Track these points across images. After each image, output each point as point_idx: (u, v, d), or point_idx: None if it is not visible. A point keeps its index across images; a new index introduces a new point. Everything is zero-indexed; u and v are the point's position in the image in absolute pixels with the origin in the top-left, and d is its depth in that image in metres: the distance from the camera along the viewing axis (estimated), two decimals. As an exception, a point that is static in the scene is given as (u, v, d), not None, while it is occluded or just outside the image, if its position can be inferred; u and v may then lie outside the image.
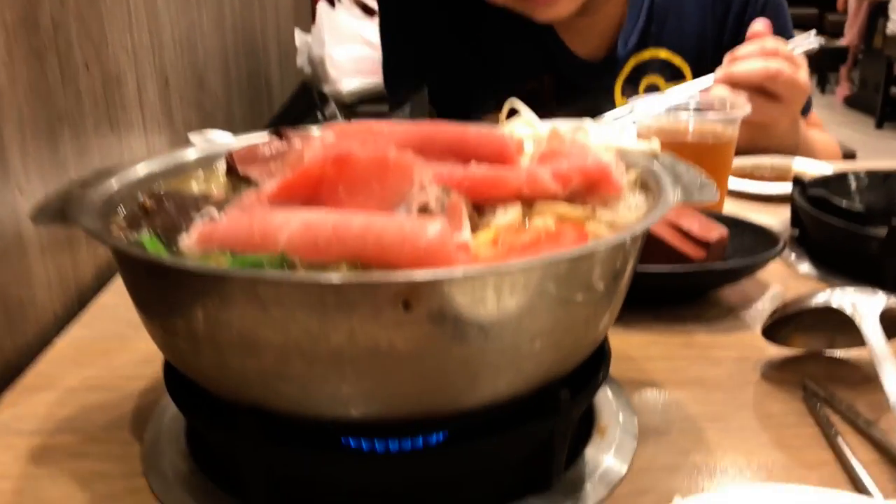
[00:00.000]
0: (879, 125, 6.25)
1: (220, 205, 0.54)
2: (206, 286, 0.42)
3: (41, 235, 0.74)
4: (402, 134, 0.56)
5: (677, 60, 1.22)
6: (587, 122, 0.64)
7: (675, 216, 0.75)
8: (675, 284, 0.72)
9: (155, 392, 0.62)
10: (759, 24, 1.03)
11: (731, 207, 1.00)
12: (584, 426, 0.57)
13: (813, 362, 0.65)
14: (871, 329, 0.56)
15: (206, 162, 0.64)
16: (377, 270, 0.43)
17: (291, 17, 2.21)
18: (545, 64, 1.21)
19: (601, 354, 0.54)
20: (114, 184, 0.56)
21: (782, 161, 1.12)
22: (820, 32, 6.24)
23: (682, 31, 1.20)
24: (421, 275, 0.40)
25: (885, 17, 6.32)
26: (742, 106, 0.91)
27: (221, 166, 0.63)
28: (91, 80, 0.83)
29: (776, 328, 0.65)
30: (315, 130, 0.67)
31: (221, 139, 1.08)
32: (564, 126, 0.67)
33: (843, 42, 7.16)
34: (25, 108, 0.70)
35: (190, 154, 0.63)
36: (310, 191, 0.52)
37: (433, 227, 0.43)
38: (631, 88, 1.22)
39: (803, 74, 1.02)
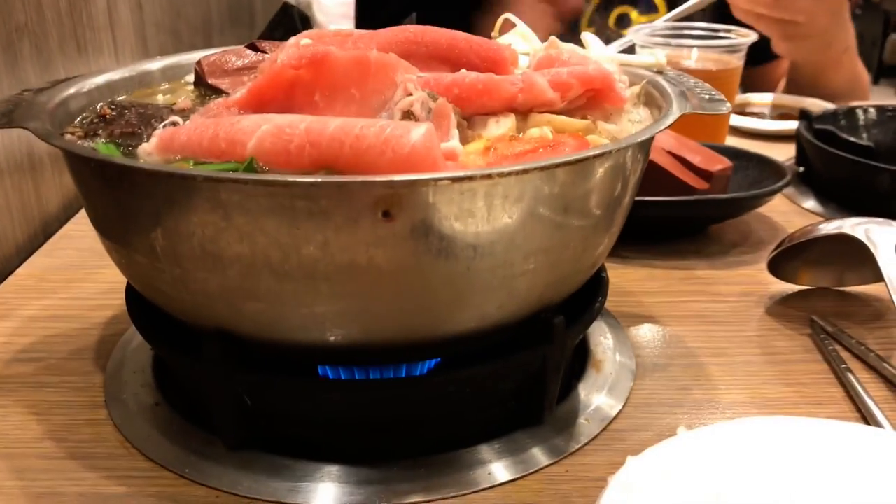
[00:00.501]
0: (875, 81, 6.18)
1: (187, 115, 0.50)
2: (162, 190, 0.37)
3: (1, 163, 0.69)
4: (386, 37, 0.51)
5: None
6: (588, 35, 0.59)
7: (678, 146, 0.71)
8: (676, 214, 0.68)
9: (120, 322, 0.58)
10: None
11: (734, 145, 0.96)
12: (579, 361, 0.54)
13: (820, 298, 0.61)
14: (887, 258, 0.53)
15: (173, 73, 0.59)
16: (356, 180, 0.39)
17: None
18: None
19: (598, 283, 0.51)
20: (71, 90, 0.51)
21: (788, 99, 1.07)
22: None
23: None
24: (403, 177, 0.35)
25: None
26: (748, 34, 0.86)
27: (190, 78, 0.59)
28: (55, -5, 0.78)
29: (782, 262, 0.61)
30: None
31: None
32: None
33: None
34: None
35: (155, 64, 0.58)
36: (283, 96, 0.47)
37: (417, 131, 0.38)
38: (600, 19, 1.16)
39: None
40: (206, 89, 0.56)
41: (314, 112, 0.46)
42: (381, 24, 0.55)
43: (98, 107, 0.52)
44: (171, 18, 1.13)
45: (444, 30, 0.52)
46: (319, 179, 0.35)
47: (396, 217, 0.36)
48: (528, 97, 0.47)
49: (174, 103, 0.53)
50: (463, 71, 0.47)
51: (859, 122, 0.88)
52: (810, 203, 0.80)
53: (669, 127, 0.44)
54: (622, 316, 0.59)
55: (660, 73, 0.55)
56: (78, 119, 0.50)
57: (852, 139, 0.83)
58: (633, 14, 1.17)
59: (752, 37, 0.86)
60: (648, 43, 0.85)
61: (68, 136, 0.46)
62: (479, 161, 0.42)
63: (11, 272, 0.67)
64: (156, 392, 0.50)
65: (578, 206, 0.41)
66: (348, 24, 3.77)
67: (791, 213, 0.78)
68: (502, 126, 0.47)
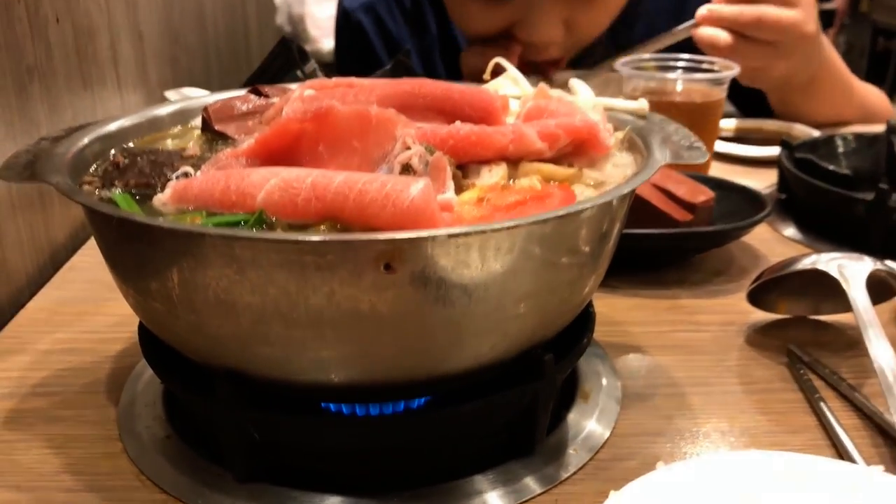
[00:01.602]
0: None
1: (196, 162, 0.53)
2: (180, 245, 0.40)
3: (12, 194, 0.72)
4: (385, 90, 0.54)
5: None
6: (575, 81, 0.62)
7: (662, 179, 0.74)
8: (660, 247, 0.71)
9: (131, 355, 0.60)
10: None
11: (719, 170, 0.99)
12: (568, 391, 0.56)
13: (797, 327, 0.65)
14: (858, 293, 0.56)
15: (181, 118, 0.62)
16: (358, 231, 0.42)
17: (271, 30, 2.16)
18: None
19: (586, 318, 0.54)
20: (85, 139, 0.54)
21: (773, 125, 1.11)
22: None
23: (653, 33, 1.09)
24: (404, 235, 0.38)
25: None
26: (731, 66, 0.89)
27: (197, 122, 0.61)
28: (62, 34, 0.81)
29: (761, 293, 0.64)
30: (294, 87, 0.65)
31: (198, 96, 1.05)
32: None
33: (833, 5, 7.12)
34: (-8, 61, 0.68)
35: (164, 110, 0.61)
36: (288, 147, 0.50)
37: (416, 187, 0.42)
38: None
39: (798, 13, 0.96)
40: (212, 134, 0.59)
41: (318, 162, 0.49)
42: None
43: (111, 154, 0.55)
44: (169, 47, 1.16)
45: (439, 82, 0.55)
46: (327, 238, 0.38)
47: (397, 269, 0.39)
48: (519, 147, 0.50)
49: (184, 149, 0.56)
50: (458, 123, 0.51)
51: (838, 150, 0.92)
52: (791, 230, 0.83)
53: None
54: (610, 346, 0.62)
55: (643, 118, 0.58)
56: (93, 167, 0.53)
57: (831, 168, 0.86)
58: None
59: (735, 69, 0.89)
60: (634, 74, 0.88)
61: (86, 188, 0.49)
62: (474, 212, 0.45)
63: (23, 304, 0.69)
64: (167, 425, 0.53)
65: (565, 254, 0.44)
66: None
67: (773, 240, 0.81)
68: (495, 174, 0.50)
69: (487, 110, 0.53)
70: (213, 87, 1.36)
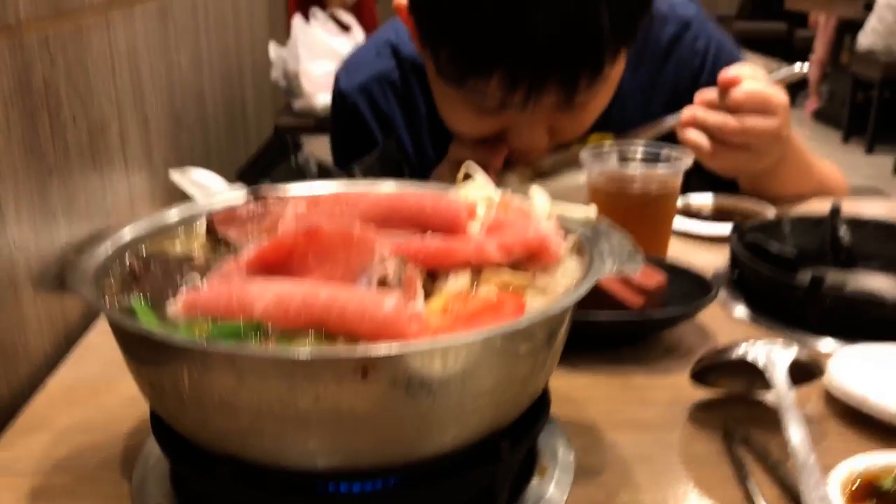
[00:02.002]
0: (846, 139, 6.40)
1: (202, 269, 0.61)
2: (191, 357, 0.48)
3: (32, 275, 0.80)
4: (367, 205, 0.63)
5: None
6: (534, 188, 0.71)
7: (617, 266, 0.83)
8: (615, 330, 0.79)
9: (141, 433, 0.68)
10: (730, 73, 1.06)
11: (681, 246, 1.08)
12: (527, 465, 0.64)
13: (735, 405, 0.72)
14: (779, 379, 0.64)
15: (187, 222, 0.70)
16: (341, 338, 0.50)
17: (266, 47, 2.27)
18: None
19: (541, 404, 0.61)
20: (105, 249, 0.62)
21: (728, 200, 1.20)
22: (789, 48, 6.35)
23: (624, 116, 1.19)
24: (376, 349, 0.46)
25: (852, 34, 6.47)
26: (685, 158, 0.98)
27: (202, 225, 0.70)
28: (77, 132, 0.89)
29: (703, 372, 0.72)
30: (290, 189, 0.74)
31: (199, 176, 1.14)
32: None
33: (812, 57, 7.33)
34: (19, 166, 0.76)
35: (172, 216, 0.69)
36: (283, 259, 0.59)
37: (389, 302, 0.50)
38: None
39: (775, 122, 1.04)
40: (215, 238, 0.67)
41: (307, 271, 0.58)
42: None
43: (127, 260, 0.63)
44: (172, 128, 1.25)
45: (414, 196, 0.63)
46: (312, 357, 0.46)
47: (372, 375, 0.47)
48: (480, 258, 0.58)
49: (191, 255, 0.64)
50: (428, 236, 0.59)
51: (785, 231, 1.01)
52: (740, 308, 0.91)
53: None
54: (567, 422, 0.70)
55: (592, 224, 0.66)
56: (112, 273, 0.61)
57: (777, 249, 0.95)
58: None
59: (689, 161, 0.98)
60: (596, 164, 0.97)
61: (107, 297, 0.57)
62: (439, 321, 0.53)
63: (41, 381, 0.77)
64: (175, 500, 0.60)
65: (516, 357, 0.52)
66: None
67: (722, 318, 0.89)
68: (459, 281, 0.58)
69: (454, 222, 0.62)
70: (212, 162, 1.46)
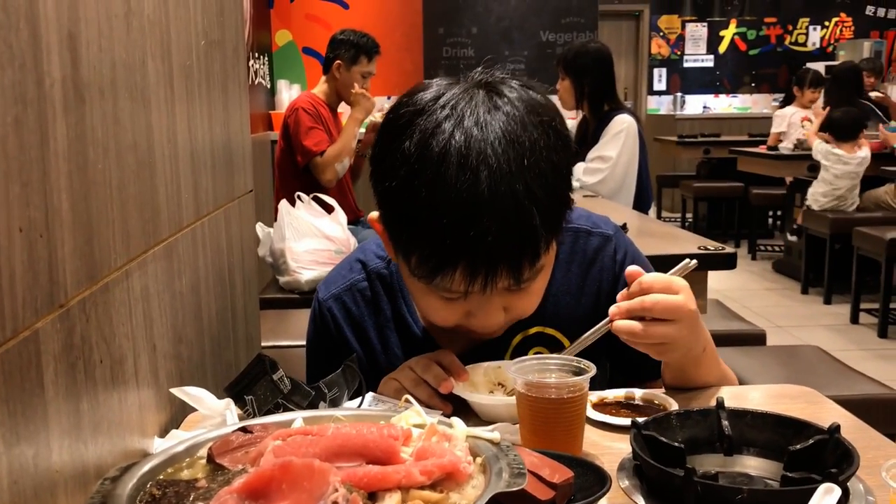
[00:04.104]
0: (805, 291, 6.74)
1: (205, 493, 0.83)
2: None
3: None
4: (327, 443, 0.86)
5: (559, 335, 1.53)
6: (455, 419, 0.94)
7: (528, 463, 1.04)
8: (527, 522, 1.00)
9: None
10: (633, 268, 1.32)
11: (598, 436, 1.30)
12: None
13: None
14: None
15: (192, 451, 0.92)
16: (305, 549, 0.72)
17: (255, 259, 2.55)
18: None
19: (459, 590, 0.82)
20: (133, 479, 0.84)
21: (640, 394, 1.43)
22: (745, 203, 6.78)
23: (558, 310, 1.50)
24: (327, 560, 0.68)
25: (802, 192, 6.95)
26: (591, 367, 1.22)
27: (203, 452, 0.92)
28: (103, 370, 1.12)
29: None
30: (272, 418, 0.97)
31: (193, 391, 1.36)
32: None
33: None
34: (63, 409, 0.99)
35: (180, 447, 0.92)
36: (264, 485, 0.81)
37: (338, 523, 0.72)
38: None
39: (680, 298, 1.29)
40: (214, 464, 0.90)
41: (281, 496, 0.79)
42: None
43: (148, 487, 0.84)
44: (174, 347, 1.49)
45: (361, 436, 0.86)
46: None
47: (325, 578, 0.68)
48: (408, 481, 0.81)
49: (196, 479, 0.86)
50: (369, 466, 0.82)
51: (674, 424, 1.23)
52: (638, 496, 1.12)
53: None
54: None
55: (496, 445, 0.89)
56: (138, 497, 0.83)
57: (667, 441, 1.17)
58: (545, 352, 1.51)
59: (593, 370, 1.22)
60: (517, 375, 1.21)
61: (138, 521, 0.78)
62: (375, 532, 0.75)
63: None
64: None
65: (430, 558, 0.73)
66: (318, 268, 4.17)
67: None
68: (393, 499, 0.80)
69: (390, 453, 0.84)
70: (206, 371, 1.69)
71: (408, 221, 1.27)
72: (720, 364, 1.54)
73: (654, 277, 1.31)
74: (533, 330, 1.53)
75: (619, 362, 1.61)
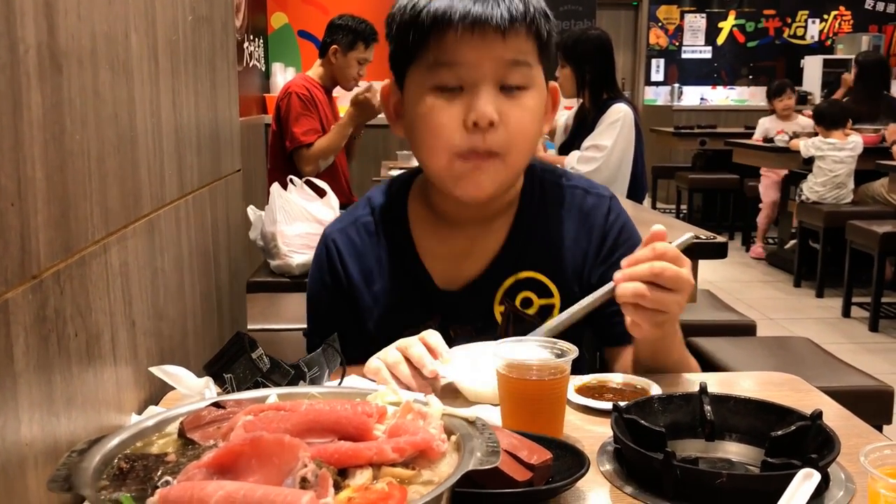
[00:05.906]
0: (797, 284, 6.74)
1: (174, 467, 0.81)
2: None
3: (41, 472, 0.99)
4: (298, 418, 0.84)
5: (547, 282, 1.54)
6: (431, 397, 0.92)
7: (506, 444, 1.03)
8: (503, 502, 0.99)
9: None
10: (658, 227, 1.31)
11: (581, 419, 1.29)
12: None
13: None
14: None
15: (163, 426, 0.91)
16: (272, 524, 0.70)
17: (243, 240, 2.53)
18: (423, 306, 1.54)
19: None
20: (100, 454, 0.82)
21: (621, 379, 1.42)
22: (740, 196, 6.79)
23: (549, 257, 1.53)
24: (292, 535, 0.67)
25: (796, 185, 6.95)
26: (573, 349, 1.21)
27: (173, 428, 0.90)
28: (78, 343, 1.11)
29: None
30: (247, 394, 0.95)
31: (172, 370, 1.35)
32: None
33: (763, 203, 7.80)
34: (33, 381, 0.97)
35: (150, 422, 0.90)
36: (233, 460, 0.79)
37: (305, 498, 0.71)
38: (508, 301, 1.53)
39: (685, 271, 1.29)
40: (185, 439, 0.88)
41: (250, 471, 0.78)
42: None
43: (116, 461, 0.83)
44: (155, 324, 1.47)
45: (333, 412, 0.85)
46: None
47: (290, 553, 0.67)
48: (380, 458, 0.79)
49: (166, 453, 0.85)
50: (341, 442, 0.80)
51: (656, 408, 1.22)
52: (618, 481, 1.11)
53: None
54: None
55: (472, 423, 0.88)
56: (105, 471, 0.81)
57: (648, 425, 1.16)
58: (534, 297, 1.54)
59: (575, 352, 1.21)
60: (498, 358, 1.20)
61: (103, 493, 0.77)
62: (344, 508, 0.73)
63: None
64: None
65: (399, 535, 0.72)
66: (309, 252, 4.16)
67: (604, 491, 1.09)
68: (364, 476, 0.79)
69: (363, 429, 0.83)
70: (188, 350, 1.67)
71: (404, 22, 1.40)
72: (685, 349, 1.55)
73: (668, 246, 1.30)
74: (523, 274, 1.55)
75: (597, 321, 1.60)
